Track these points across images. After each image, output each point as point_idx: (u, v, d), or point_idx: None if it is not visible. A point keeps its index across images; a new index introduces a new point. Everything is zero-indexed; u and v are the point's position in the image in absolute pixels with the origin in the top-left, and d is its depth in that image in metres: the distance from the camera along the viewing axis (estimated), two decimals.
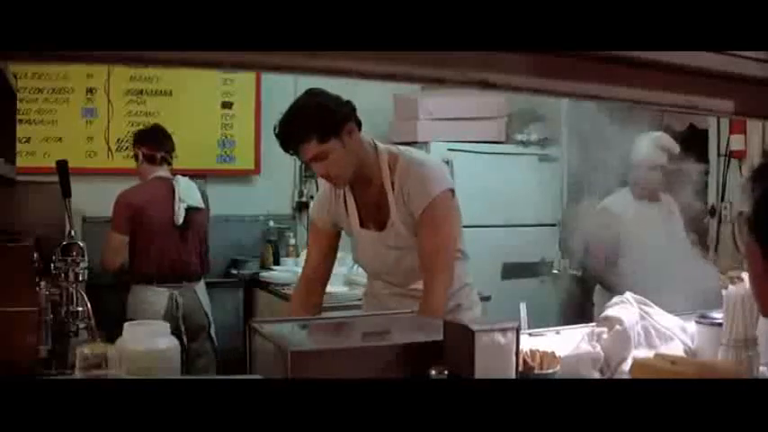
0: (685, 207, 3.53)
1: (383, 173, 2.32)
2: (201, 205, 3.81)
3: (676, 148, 3.54)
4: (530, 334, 2.09)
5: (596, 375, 1.83)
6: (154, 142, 3.84)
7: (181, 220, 3.70)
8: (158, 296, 3.68)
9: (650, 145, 3.55)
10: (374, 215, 2.39)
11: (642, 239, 3.36)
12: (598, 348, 1.86)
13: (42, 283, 1.92)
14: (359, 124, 2.28)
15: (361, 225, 2.42)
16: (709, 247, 3.84)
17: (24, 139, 4.23)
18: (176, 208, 3.70)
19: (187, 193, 3.77)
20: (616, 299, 2.04)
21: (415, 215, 2.27)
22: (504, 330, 1.58)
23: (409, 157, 2.34)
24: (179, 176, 3.83)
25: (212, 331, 3.85)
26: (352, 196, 2.43)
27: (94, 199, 3.99)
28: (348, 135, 2.23)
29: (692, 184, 3.47)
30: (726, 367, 1.75)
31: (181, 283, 3.73)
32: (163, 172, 3.81)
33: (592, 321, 2.13)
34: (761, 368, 1.83)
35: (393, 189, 2.32)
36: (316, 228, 2.56)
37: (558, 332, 2.19)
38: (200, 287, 3.86)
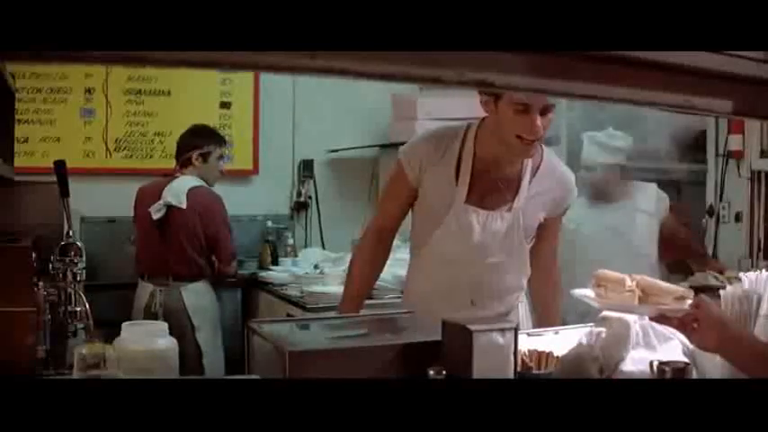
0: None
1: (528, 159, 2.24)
2: (182, 205, 3.70)
3: (622, 141, 3.43)
4: (528, 334, 2.09)
5: (594, 375, 1.83)
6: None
7: (156, 215, 3.65)
8: (144, 291, 3.69)
9: (587, 144, 3.48)
10: (492, 193, 2.22)
11: (598, 246, 3.25)
12: (596, 348, 1.86)
13: (40, 284, 1.92)
14: None
15: (467, 200, 2.21)
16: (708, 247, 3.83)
17: (22, 139, 4.22)
18: (156, 204, 3.67)
19: (173, 191, 3.69)
20: None
21: (548, 216, 2.32)
22: (502, 330, 1.58)
23: (553, 161, 2.34)
24: (182, 176, 3.78)
25: (198, 336, 3.66)
26: (471, 164, 2.21)
27: (93, 199, 3.98)
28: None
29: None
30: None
31: (165, 282, 3.68)
32: (181, 171, 3.80)
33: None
34: None
35: (531, 175, 2.25)
36: (403, 177, 2.29)
37: (556, 332, 2.19)
38: (190, 289, 3.72)
